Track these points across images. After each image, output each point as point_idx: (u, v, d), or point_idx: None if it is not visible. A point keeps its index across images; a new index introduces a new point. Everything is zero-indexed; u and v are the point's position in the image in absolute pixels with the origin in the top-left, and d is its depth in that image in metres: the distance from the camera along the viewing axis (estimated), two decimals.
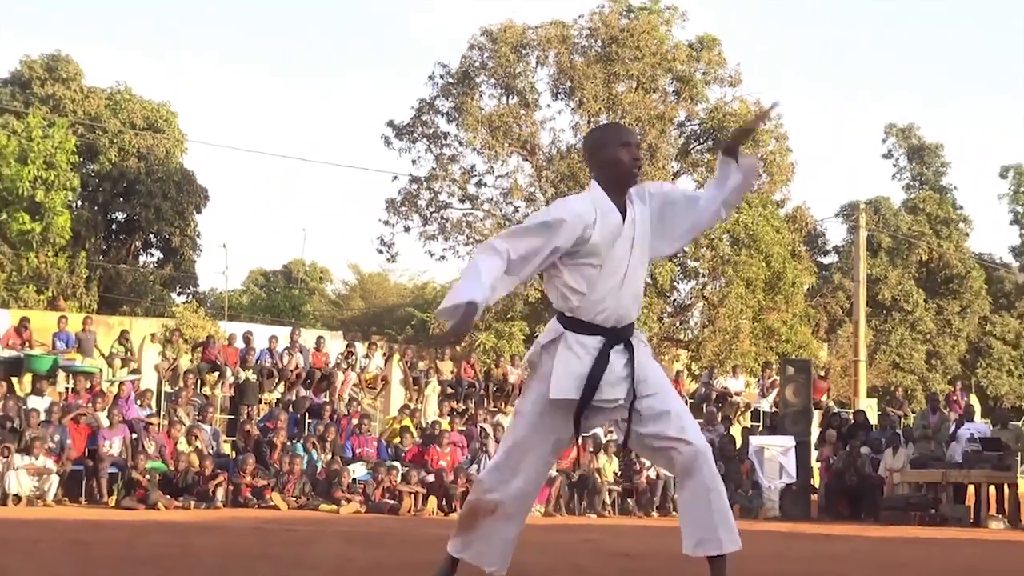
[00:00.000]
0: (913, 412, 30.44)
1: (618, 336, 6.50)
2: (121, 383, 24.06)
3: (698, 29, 42.39)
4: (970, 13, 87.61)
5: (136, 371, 25.53)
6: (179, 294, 50.17)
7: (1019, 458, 25.58)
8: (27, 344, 24.81)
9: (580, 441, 24.21)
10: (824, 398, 30.32)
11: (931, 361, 48.86)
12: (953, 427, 24.34)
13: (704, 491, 6.70)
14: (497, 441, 23.58)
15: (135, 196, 45.36)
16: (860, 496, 24.18)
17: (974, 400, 30.50)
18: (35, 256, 40.02)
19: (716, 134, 39.40)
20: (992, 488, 23.01)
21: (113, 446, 21.08)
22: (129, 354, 26.09)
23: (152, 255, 49.97)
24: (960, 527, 21.37)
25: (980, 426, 25.05)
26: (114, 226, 48.02)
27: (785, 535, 17.00)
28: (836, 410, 29.64)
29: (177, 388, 24.38)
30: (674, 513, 23.59)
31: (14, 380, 23.38)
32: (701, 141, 40.26)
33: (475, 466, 22.62)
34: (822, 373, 31.61)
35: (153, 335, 28.71)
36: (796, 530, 18.80)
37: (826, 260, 52.28)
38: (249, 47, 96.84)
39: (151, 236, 48.44)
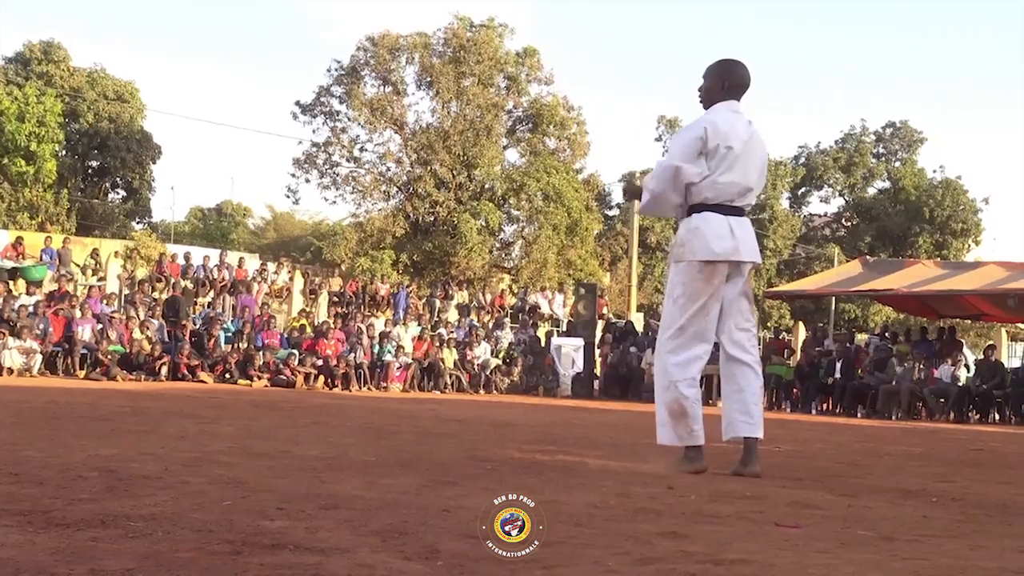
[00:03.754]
0: None
1: None
2: (91, 286, 23.80)
3: (523, 41, 42.32)
4: (716, 35, 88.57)
5: (102, 278, 25.14)
6: (137, 223, 49.18)
7: None
8: (21, 257, 24.37)
9: (429, 337, 24.25)
10: (605, 311, 30.65)
11: None
12: None
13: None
14: (370, 338, 23.55)
15: (106, 149, 44.78)
16: (628, 382, 24.49)
17: None
18: (28, 191, 39.32)
19: (535, 120, 39.56)
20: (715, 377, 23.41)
21: (84, 333, 20.70)
22: (98, 266, 25.77)
23: (118, 193, 48.91)
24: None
25: None
26: (90, 171, 46.98)
27: (575, 409, 17.16)
28: (614, 320, 29.93)
29: (134, 291, 24.10)
30: (495, 392, 23.79)
31: (11, 283, 22.93)
32: (523, 124, 40.26)
33: (352, 354, 22.57)
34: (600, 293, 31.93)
35: (117, 252, 28.25)
36: (583, 406, 18.99)
37: (610, 213, 52.51)
38: (197, 41, 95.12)
39: (118, 179, 47.57)
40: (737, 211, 5.77)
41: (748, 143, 5.72)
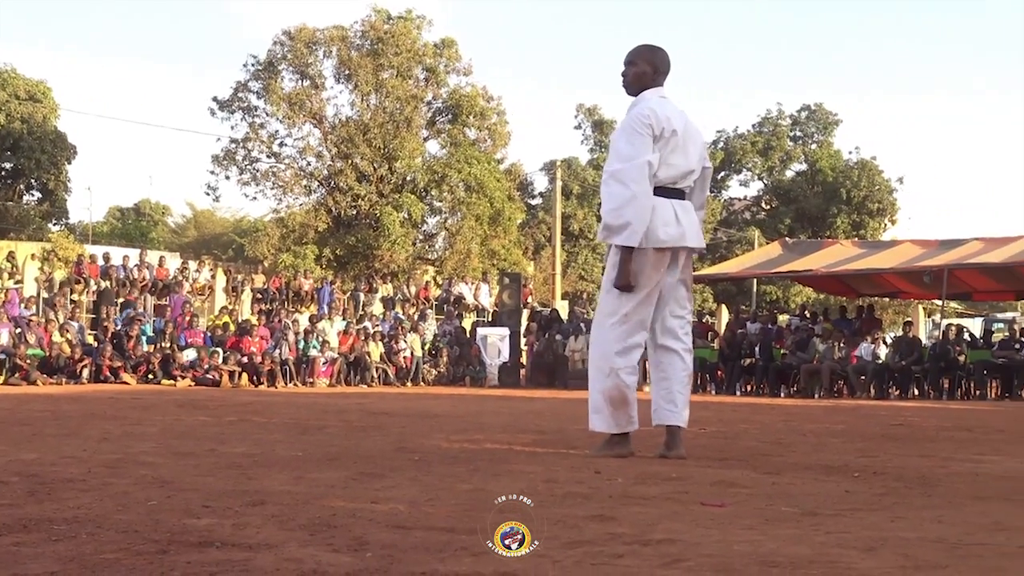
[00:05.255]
0: (592, 310, 30.96)
1: None
2: (7, 290, 23.39)
3: (441, 32, 42.29)
4: (632, 22, 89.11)
5: (19, 282, 24.74)
6: (54, 224, 48.35)
7: None
8: None
9: (354, 331, 24.08)
10: (530, 300, 30.74)
11: None
12: None
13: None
14: (295, 333, 23.39)
15: (19, 151, 43.78)
16: (554, 370, 24.58)
17: None
18: None
19: (455, 111, 39.48)
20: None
21: (1, 337, 20.34)
22: (14, 269, 25.34)
23: (33, 195, 47.99)
24: None
25: None
26: (3, 173, 46.11)
27: (502, 398, 17.20)
28: (539, 309, 30.01)
29: (52, 294, 23.76)
30: (422, 384, 23.76)
31: None
32: (443, 115, 40.15)
33: (277, 351, 22.42)
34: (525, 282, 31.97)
35: (34, 255, 27.85)
36: (510, 394, 19.03)
37: (533, 202, 52.44)
38: (111, 37, 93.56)
39: (32, 181, 46.60)
40: (679, 193, 5.81)
41: (687, 127, 5.77)
